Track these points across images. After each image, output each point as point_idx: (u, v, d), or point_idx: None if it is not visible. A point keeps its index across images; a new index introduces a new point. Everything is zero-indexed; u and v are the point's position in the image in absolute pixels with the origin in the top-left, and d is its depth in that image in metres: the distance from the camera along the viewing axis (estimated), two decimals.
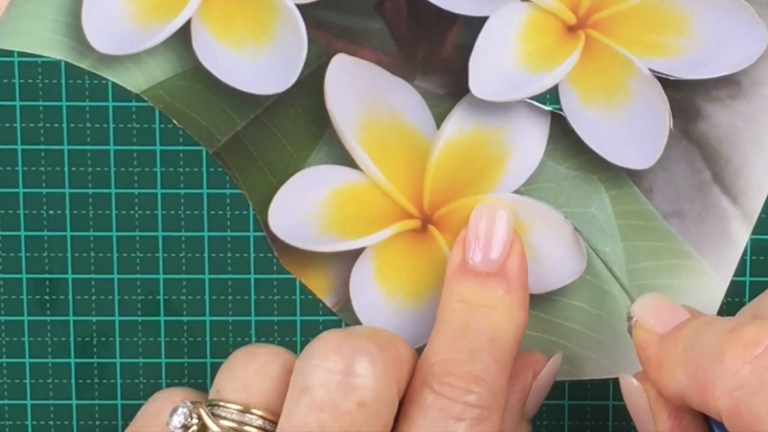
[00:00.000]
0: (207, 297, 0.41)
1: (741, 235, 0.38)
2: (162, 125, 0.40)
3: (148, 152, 0.40)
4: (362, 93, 0.38)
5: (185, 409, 0.34)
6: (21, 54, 0.40)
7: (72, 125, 0.40)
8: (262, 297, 0.41)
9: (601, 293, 0.39)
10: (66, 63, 0.38)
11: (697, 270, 0.38)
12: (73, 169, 0.40)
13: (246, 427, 0.33)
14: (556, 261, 0.39)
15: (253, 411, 0.34)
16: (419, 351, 0.35)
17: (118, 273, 0.41)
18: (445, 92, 0.39)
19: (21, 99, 0.40)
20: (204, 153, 0.40)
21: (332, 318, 0.40)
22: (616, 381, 0.36)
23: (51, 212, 0.41)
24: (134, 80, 0.38)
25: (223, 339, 0.41)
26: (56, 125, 0.40)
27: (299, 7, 0.38)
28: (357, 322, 0.39)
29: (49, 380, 0.41)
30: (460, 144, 0.39)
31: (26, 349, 0.41)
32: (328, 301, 0.39)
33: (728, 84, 0.38)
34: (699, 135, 0.38)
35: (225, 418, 0.34)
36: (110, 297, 0.41)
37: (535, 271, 0.38)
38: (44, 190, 0.40)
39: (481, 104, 0.38)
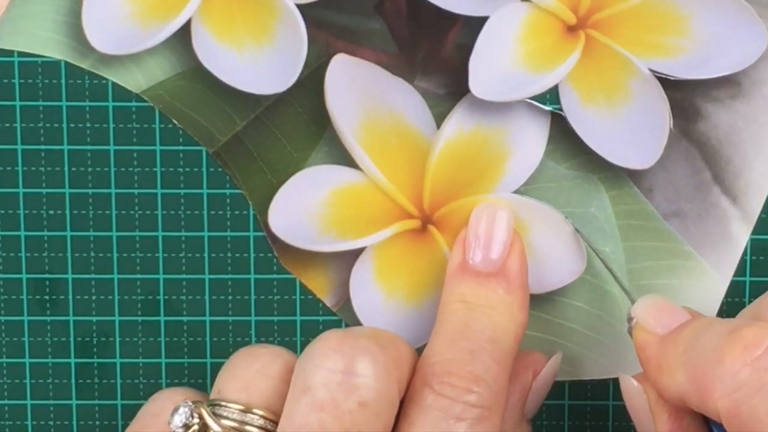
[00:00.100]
0: (207, 297, 0.41)
1: (741, 235, 0.38)
2: (162, 125, 0.40)
3: (148, 152, 0.40)
4: (362, 93, 0.38)
5: (186, 409, 0.34)
6: (21, 54, 0.40)
7: (72, 125, 0.40)
8: (262, 297, 0.41)
9: (601, 293, 0.39)
10: (66, 63, 0.38)
11: (697, 270, 0.38)
12: (73, 169, 0.40)
13: (247, 427, 0.33)
14: (556, 261, 0.39)
15: (254, 411, 0.34)
16: (419, 351, 0.35)
17: (118, 273, 0.41)
18: (445, 92, 0.39)
19: (21, 99, 0.40)
20: (204, 153, 0.40)
21: (332, 318, 0.40)
22: (616, 381, 0.36)
23: (51, 212, 0.40)
24: (134, 80, 0.38)
25: (223, 339, 0.41)
26: (56, 125, 0.40)
27: (299, 7, 0.38)
28: (357, 322, 0.39)
29: (49, 380, 0.41)
30: (460, 144, 0.39)
31: (26, 349, 0.41)
32: (328, 301, 0.39)
33: (728, 84, 0.38)
34: (699, 135, 0.38)
35: (226, 417, 0.34)
36: (110, 297, 0.41)
37: (535, 271, 0.38)
38: (44, 190, 0.40)
39: (481, 104, 0.38)
